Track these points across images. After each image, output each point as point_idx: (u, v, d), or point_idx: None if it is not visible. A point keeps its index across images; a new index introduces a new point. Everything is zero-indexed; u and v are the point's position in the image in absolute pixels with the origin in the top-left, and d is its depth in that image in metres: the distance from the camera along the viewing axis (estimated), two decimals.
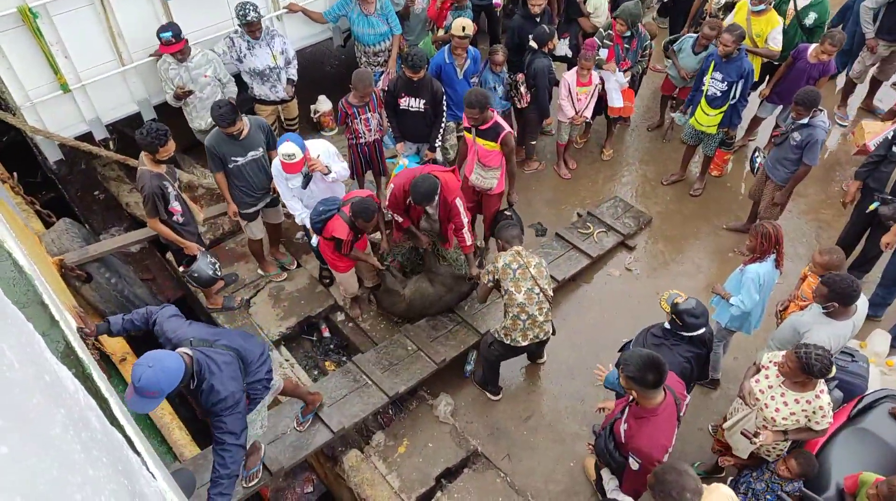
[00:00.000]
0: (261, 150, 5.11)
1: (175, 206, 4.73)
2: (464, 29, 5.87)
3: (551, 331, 4.83)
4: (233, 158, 5.00)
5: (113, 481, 1.34)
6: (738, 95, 6.05)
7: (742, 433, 3.94)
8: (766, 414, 3.79)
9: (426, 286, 5.32)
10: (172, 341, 3.35)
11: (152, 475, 2.15)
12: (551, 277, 5.80)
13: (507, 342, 4.67)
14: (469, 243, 5.16)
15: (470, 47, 6.15)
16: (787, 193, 5.73)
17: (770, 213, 5.88)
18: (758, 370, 3.99)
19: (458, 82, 6.15)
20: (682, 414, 3.50)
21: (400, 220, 5.22)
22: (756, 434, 3.83)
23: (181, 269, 4.98)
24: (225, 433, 3.23)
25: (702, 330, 3.95)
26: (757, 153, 6.05)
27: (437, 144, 5.98)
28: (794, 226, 6.67)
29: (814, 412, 3.68)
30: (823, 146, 5.88)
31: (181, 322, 3.47)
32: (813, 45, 6.15)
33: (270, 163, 5.15)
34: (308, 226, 5.16)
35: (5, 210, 4.76)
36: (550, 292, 4.64)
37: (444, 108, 5.89)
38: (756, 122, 7.27)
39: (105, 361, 4.72)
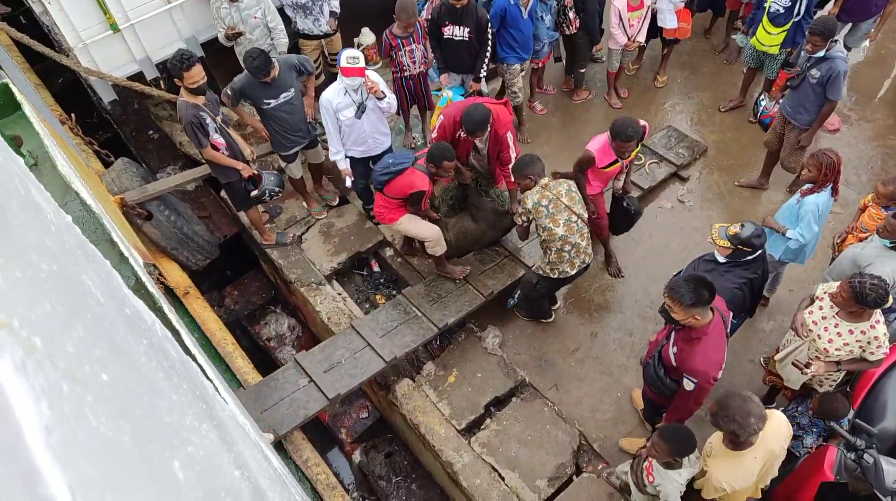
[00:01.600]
0: (293, 90, 5.08)
1: (217, 139, 4.77)
2: None
3: (592, 254, 4.80)
4: (265, 101, 5.01)
5: (193, 405, 1.45)
6: (802, 12, 5.67)
7: (793, 363, 3.91)
8: (819, 345, 3.75)
9: (469, 224, 5.29)
10: None
11: (224, 400, 2.30)
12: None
13: (556, 276, 4.64)
14: (514, 178, 5.08)
15: None
16: (812, 133, 5.37)
17: (795, 158, 5.53)
18: (812, 302, 3.92)
19: (523, 23, 5.86)
20: (728, 329, 3.53)
21: None
22: (808, 365, 3.80)
23: (253, 194, 5.11)
24: None
25: (760, 251, 3.89)
26: (763, 97, 5.69)
27: (482, 75, 5.84)
28: (858, 152, 6.35)
29: (868, 343, 3.63)
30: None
31: None
32: None
33: (306, 93, 5.15)
34: (345, 168, 5.20)
35: (68, 151, 4.94)
36: (586, 216, 4.60)
37: (489, 37, 5.70)
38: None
39: (170, 294, 4.96)
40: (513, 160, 4.89)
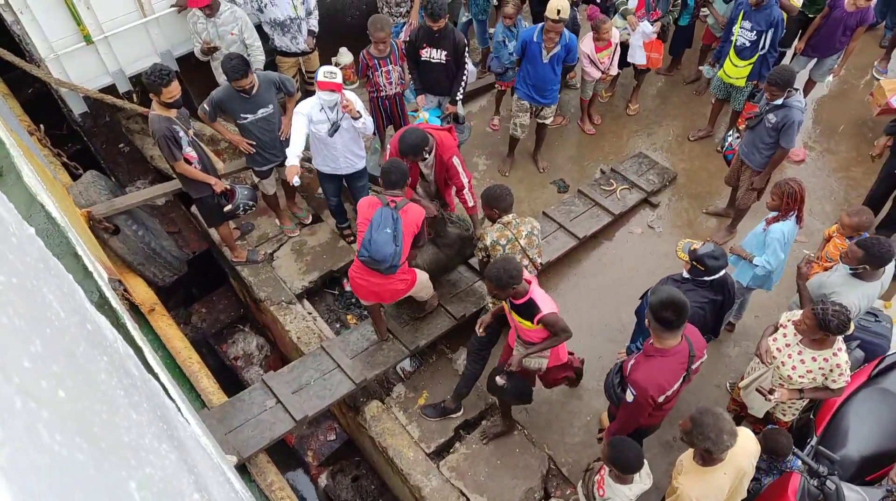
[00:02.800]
0: (271, 107, 5.07)
1: (189, 152, 4.73)
2: (558, 12, 5.33)
3: None
4: (242, 115, 4.99)
5: (154, 425, 1.41)
6: (767, 46, 5.86)
7: (757, 389, 3.97)
8: (783, 372, 3.81)
9: (435, 253, 5.17)
10: None
11: (186, 420, 2.25)
12: (574, 234, 5.83)
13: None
14: (472, 203, 4.91)
15: (569, 34, 5.72)
16: (766, 177, 5.42)
17: (747, 199, 5.61)
18: (776, 330, 4.00)
19: (540, 64, 5.79)
20: (692, 369, 3.50)
21: None
22: (771, 391, 3.86)
23: (226, 208, 5.03)
24: None
25: (722, 272, 3.95)
26: (731, 133, 5.87)
27: (458, 98, 5.90)
28: (822, 183, 6.55)
29: (831, 371, 3.70)
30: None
31: None
32: None
33: (286, 113, 5.13)
34: (294, 165, 4.93)
35: (35, 163, 4.83)
36: (540, 261, 4.53)
37: (467, 60, 5.78)
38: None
39: (134, 311, 4.85)
40: (466, 185, 4.84)
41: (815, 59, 6.55)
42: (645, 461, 3.44)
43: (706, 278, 3.95)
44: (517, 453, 4.72)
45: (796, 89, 5.05)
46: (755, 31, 5.81)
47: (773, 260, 4.39)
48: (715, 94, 6.58)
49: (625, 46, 6.63)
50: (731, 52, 6.03)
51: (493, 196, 4.31)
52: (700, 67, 6.99)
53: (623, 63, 6.78)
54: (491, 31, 6.75)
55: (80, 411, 0.86)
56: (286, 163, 5.01)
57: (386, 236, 4.01)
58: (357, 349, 4.96)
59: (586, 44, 6.37)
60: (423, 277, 4.67)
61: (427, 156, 4.64)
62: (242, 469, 4.26)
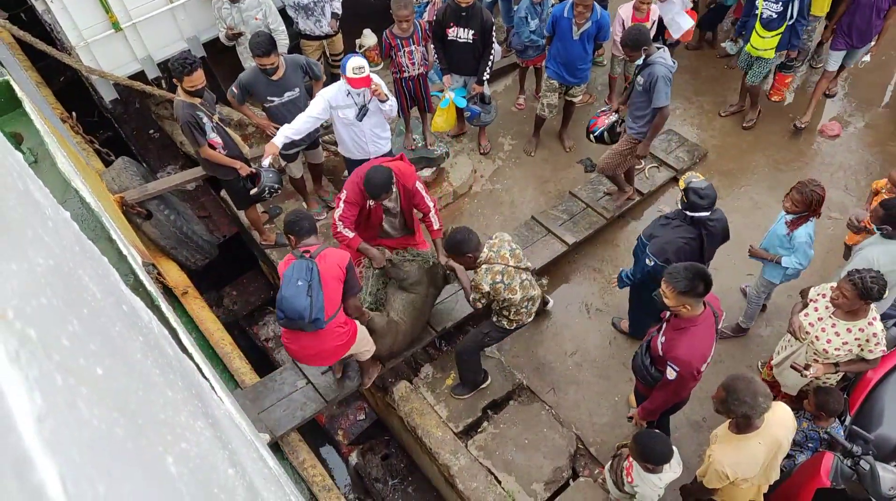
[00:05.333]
0: (297, 90, 5.08)
1: (214, 138, 4.78)
2: None
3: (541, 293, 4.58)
4: (269, 98, 5.01)
5: (189, 403, 1.45)
6: (795, 14, 5.66)
7: (792, 366, 3.93)
8: (818, 346, 3.77)
9: (406, 298, 4.55)
10: None
11: (220, 399, 2.30)
12: (601, 214, 5.78)
13: (513, 327, 4.42)
14: (438, 226, 4.64)
15: (601, 10, 5.63)
16: (648, 144, 5.21)
17: (614, 164, 5.37)
18: (805, 305, 3.95)
19: (570, 41, 5.70)
20: (719, 327, 3.58)
21: (350, 236, 4.42)
22: (807, 367, 3.81)
23: (252, 191, 5.09)
24: None
25: (704, 214, 4.03)
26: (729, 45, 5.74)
27: (485, 77, 5.85)
28: (858, 158, 6.37)
29: (867, 341, 3.65)
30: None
31: None
32: None
33: (312, 96, 5.14)
34: (277, 146, 4.76)
35: (68, 149, 4.94)
36: (531, 265, 4.39)
37: (494, 39, 5.71)
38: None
39: (168, 294, 4.96)
40: (431, 208, 4.59)
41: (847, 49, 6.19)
42: (675, 449, 3.43)
43: (687, 213, 4.06)
44: (545, 432, 4.74)
45: (659, 47, 4.85)
46: (781, 3, 5.62)
47: (805, 260, 4.31)
48: (742, 68, 6.39)
49: (659, 28, 6.45)
50: (758, 24, 5.84)
51: (458, 243, 4.01)
52: (722, 44, 6.78)
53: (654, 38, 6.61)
54: (515, 7, 6.65)
55: (118, 388, 0.89)
56: (271, 140, 4.84)
57: (297, 288, 3.57)
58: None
59: (625, 9, 6.23)
60: (362, 331, 4.13)
61: (392, 190, 4.37)
62: (275, 447, 4.36)
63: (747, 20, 6.04)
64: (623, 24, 6.26)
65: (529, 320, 4.46)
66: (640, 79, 4.89)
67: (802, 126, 6.52)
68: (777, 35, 5.81)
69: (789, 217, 4.27)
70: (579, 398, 4.96)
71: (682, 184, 4.19)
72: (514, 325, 4.41)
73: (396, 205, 4.65)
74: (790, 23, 5.72)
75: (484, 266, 4.07)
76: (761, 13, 5.77)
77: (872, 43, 6.18)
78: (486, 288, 4.04)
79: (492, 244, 4.16)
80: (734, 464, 3.19)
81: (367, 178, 4.20)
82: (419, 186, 4.54)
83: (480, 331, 4.58)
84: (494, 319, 4.43)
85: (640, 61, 4.85)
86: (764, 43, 5.91)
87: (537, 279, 5.54)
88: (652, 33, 6.35)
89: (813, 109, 6.54)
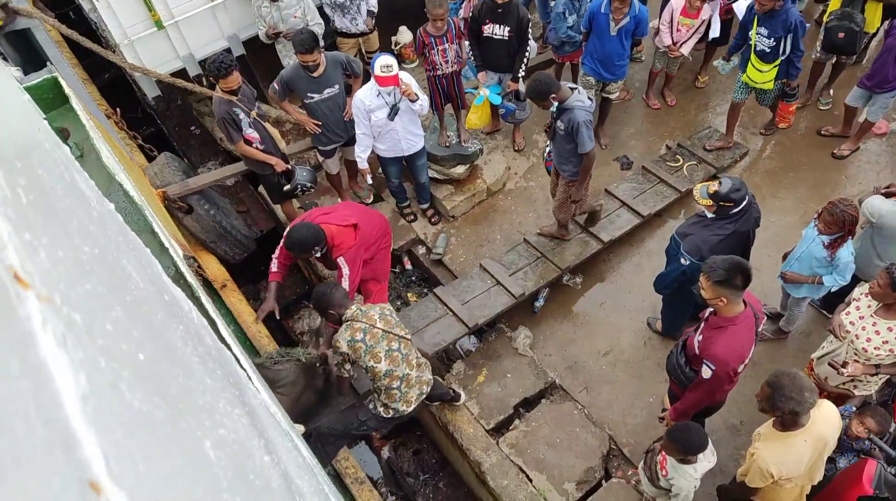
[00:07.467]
0: (337, 87, 5.14)
1: (250, 133, 4.89)
2: None
3: (432, 381, 4.10)
4: (309, 95, 5.09)
5: (227, 391, 1.48)
6: (788, 50, 5.35)
7: (829, 363, 3.84)
8: (858, 346, 3.68)
9: (280, 398, 3.91)
10: None
11: (257, 389, 2.34)
12: (637, 212, 5.69)
13: (390, 416, 3.96)
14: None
15: (639, 5, 5.53)
16: (581, 187, 4.86)
17: (565, 211, 5.14)
18: (848, 303, 3.86)
19: (607, 37, 5.64)
20: (759, 330, 3.50)
21: (273, 270, 4.51)
22: (844, 365, 3.71)
23: (286, 188, 5.22)
24: None
25: (743, 205, 4.00)
26: (548, 143, 5.13)
27: (520, 74, 5.81)
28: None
29: None
30: None
31: None
32: None
33: (351, 93, 5.19)
34: (365, 167, 5.25)
35: (113, 145, 5.08)
36: (409, 335, 3.95)
37: (530, 36, 5.68)
38: (850, 112, 6.07)
39: (207, 286, 5.07)
40: (344, 279, 4.30)
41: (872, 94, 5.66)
42: (709, 438, 3.38)
43: (734, 211, 3.99)
44: (577, 432, 4.70)
45: (574, 88, 4.47)
46: (773, 38, 5.31)
47: (849, 275, 4.16)
48: (734, 97, 5.98)
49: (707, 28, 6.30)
50: (753, 56, 5.54)
51: (319, 296, 3.81)
52: (714, 63, 6.49)
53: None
54: (552, 3, 6.59)
55: (159, 373, 0.92)
56: (358, 165, 5.27)
57: None
58: (417, 326, 5.03)
59: (677, 1, 6.05)
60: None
61: (318, 253, 4.27)
62: (309, 437, 4.41)
63: (741, 47, 5.73)
64: (672, 14, 6.11)
65: (409, 409, 3.94)
66: (559, 123, 4.53)
67: (844, 155, 6.19)
68: (774, 67, 5.51)
69: (825, 239, 4.08)
70: (612, 398, 4.91)
71: (702, 200, 4.02)
72: (391, 413, 3.91)
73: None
74: (783, 58, 5.41)
75: (344, 324, 3.73)
76: (755, 46, 5.47)
77: (892, 96, 5.60)
78: (344, 347, 3.65)
79: (364, 307, 3.82)
80: (779, 462, 3.11)
81: (289, 232, 4.15)
82: (342, 261, 4.26)
83: (355, 413, 4.03)
84: (368, 402, 4.02)
85: (555, 106, 4.48)
86: (762, 76, 5.61)
87: (569, 278, 5.52)
88: (695, 38, 6.22)
89: (856, 142, 6.17)
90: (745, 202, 3.99)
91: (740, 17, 5.81)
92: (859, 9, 5.80)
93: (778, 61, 5.47)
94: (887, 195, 4.31)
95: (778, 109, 6.25)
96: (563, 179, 4.93)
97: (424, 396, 4.04)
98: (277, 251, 4.48)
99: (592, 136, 4.51)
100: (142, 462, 0.61)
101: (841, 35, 5.72)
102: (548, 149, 5.11)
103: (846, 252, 4.07)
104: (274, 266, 4.52)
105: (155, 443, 0.70)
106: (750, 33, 5.49)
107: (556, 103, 4.44)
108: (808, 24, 5.64)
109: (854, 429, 3.64)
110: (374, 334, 3.69)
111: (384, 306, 3.92)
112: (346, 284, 4.26)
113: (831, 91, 6.57)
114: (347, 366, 3.79)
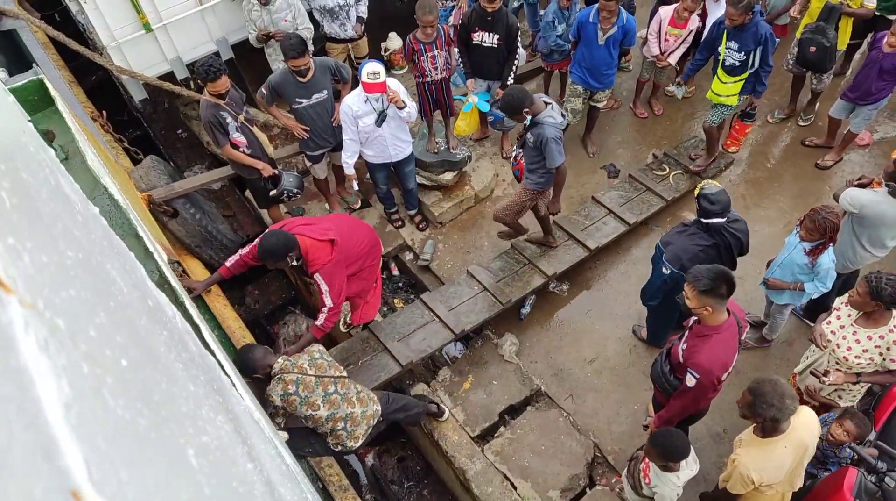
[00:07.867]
0: (325, 93, 5.14)
1: (238, 138, 4.88)
2: None
3: (379, 411, 4.00)
4: (297, 100, 5.08)
5: (210, 397, 1.47)
6: (757, 64, 5.35)
7: (811, 371, 3.88)
8: (838, 355, 3.73)
9: None
10: None
11: (240, 395, 2.33)
12: (624, 220, 5.73)
13: (339, 450, 3.92)
14: (321, 323, 4.19)
15: (627, 15, 5.56)
16: (555, 199, 4.90)
17: (509, 216, 5.13)
18: (830, 313, 3.91)
19: (595, 46, 5.67)
20: (742, 339, 3.55)
21: (227, 265, 4.39)
22: (826, 374, 3.75)
23: (272, 193, 5.21)
24: None
25: (718, 220, 4.08)
26: (515, 147, 5.19)
27: (509, 82, 5.85)
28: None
29: (888, 349, 3.60)
30: None
31: None
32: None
33: (339, 99, 5.19)
34: (352, 173, 5.25)
35: (98, 147, 5.03)
36: (344, 373, 3.89)
37: (519, 44, 5.71)
38: (835, 124, 6.15)
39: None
40: (326, 304, 4.15)
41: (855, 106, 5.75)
42: (691, 446, 3.40)
43: (702, 220, 4.11)
44: (562, 439, 4.71)
45: (548, 103, 4.52)
46: (743, 52, 5.30)
47: (830, 283, 4.22)
48: (712, 120, 5.91)
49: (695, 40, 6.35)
50: (720, 70, 5.52)
51: (242, 366, 3.67)
52: (667, 88, 6.50)
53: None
54: (542, 12, 6.65)
55: (142, 379, 0.91)
56: (345, 171, 5.29)
57: None
58: (404, 332, 5.02)
59: (665, 11, 6.10)
60: None
61: (293, 262, 4.09)
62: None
63: (696, 64, 5.77)
64: (660, 24, 6.16)
65: (357, 445, 3.90)
66: (529, 136, 4.59)
67: (828, 166, 6.28)
68: (740, 81, 5.49)
69: (807, 246, 4.14)
70: (598, 405, 4.92)
71: (697, 191, 4.21)
72: (340, 448, 3.88)
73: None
74: (752, 70, 5.40)
75: (273, 379, 3.64)
76: (723, 60, 5.45)
77: (874, 108, 5.68)
78: (277, 400, 3.59)
79: (292, 359, 3.74)
80: (760, 469, 3.14)
81: (261, 239, 4.01)
82: (319, 277, 4.09)
83: (307, 438, 3.94)
84: (322, 434, 3.91)
85: (527, 121, 4.53)
86: (726, 89, 5.57)
87: (556, 285, 5.54)
88: (682, 49, 6.28)
89: (839, 153, 6.25)
90: (719, 219, 4.08)
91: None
92: (833, 25, 5.86)
93: (745, 75, 5.45)
94: (860, 187, 4.40)
95: (732, 129, 6.18)
96: (523, 185, 4.99)
97: (372, 428, 3.95)
98: (247, 249, 4.25)
99: (562, 150, 4.52)
100: (124, 470, 0.61)
101: (812, 49, 5.79)
102: (514, 154, 5.15)
103: (827, 259, 4.13)
104: (230, 261, 4.31)
105: (137, 450, 0.70)
106: (718, 48, 5.45)
107: (528, 117, 4.48)
108: (777, 39, 5.68)
109: (834, 433, 3.67)
110: (307, 383, 3.64)
111: (313, 350, 3.87)
112: (326, 299, 4.14)
113: (816, 106, 6.65)
114: (279, 420, 3.72)
